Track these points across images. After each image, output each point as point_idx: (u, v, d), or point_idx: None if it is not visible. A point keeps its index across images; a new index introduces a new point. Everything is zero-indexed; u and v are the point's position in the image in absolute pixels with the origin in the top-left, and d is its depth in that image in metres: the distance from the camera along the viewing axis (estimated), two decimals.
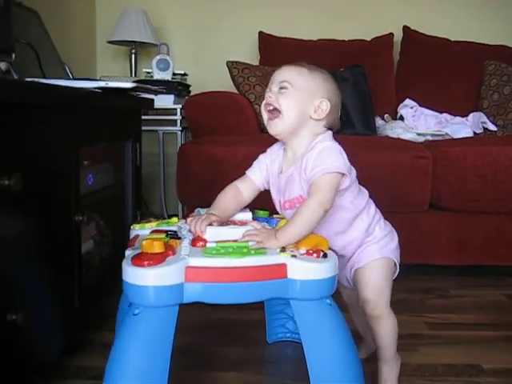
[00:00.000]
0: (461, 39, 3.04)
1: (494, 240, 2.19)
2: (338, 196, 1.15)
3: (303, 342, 0.96)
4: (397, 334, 1.25)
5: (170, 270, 0.90)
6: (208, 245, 0.99)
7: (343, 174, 1.12)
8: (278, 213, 1.28)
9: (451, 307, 1.89)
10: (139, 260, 0.92)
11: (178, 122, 2.69)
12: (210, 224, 1.07)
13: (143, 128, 2.60)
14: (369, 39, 3.05)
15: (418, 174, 2.09)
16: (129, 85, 1.62)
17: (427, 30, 3.05)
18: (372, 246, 1.24)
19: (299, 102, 1.16)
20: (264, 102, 1.19)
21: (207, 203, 2.05)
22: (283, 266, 0.94)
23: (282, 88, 1.16)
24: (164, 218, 1.31)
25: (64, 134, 1.30)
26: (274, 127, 1.19)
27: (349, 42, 3.04)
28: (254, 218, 1.24)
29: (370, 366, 1.27)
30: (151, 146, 2.84)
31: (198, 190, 2.14)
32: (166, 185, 2.86)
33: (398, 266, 1.27)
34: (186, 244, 1.02)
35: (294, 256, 0.95)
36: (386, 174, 2.07)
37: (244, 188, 1.27)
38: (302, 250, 0.97)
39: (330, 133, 1.22)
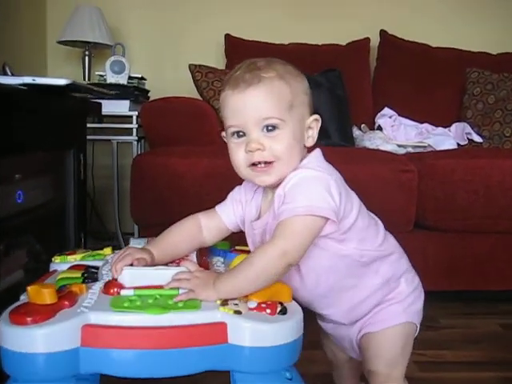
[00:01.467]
0: (441, 45, 2.85)
1: (486, 263, 1.97)
2: (334, 242, 0.87)
3: None
4: None
5: (59, 330, 0.64)
6: (122, 292, 0.72)
7: (326, 218, 0.81)
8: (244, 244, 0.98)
9: (442, 341, 1.67)
10: (19, 315, 0.65)
11: (134, 130, 2.42)
12: (131, 264, 0.79)
13: (95, 138, 2.37)
14: (344, 44, 2.83)
15: (402, 190, 1.86)
16: (62, 82, 1.36)
17: (405, 35, 2.86)
18: (395, 305, 0.96)
19: (296, 135, 0.86)
20: (250, 162, 0.85)
21: (163, 222, 1.82)
22: (222, 327, 0.67)
23: (269, 129, 0.84)
24: (99, 247, 1.04)
25: None
26: (268, 179, 0.86)
27: (322, 46, 2.82)
28: (208, 251, 0.98)
29: None
30: (105, 157, 2.56)
31: (154, 208, 1.90)
32: (122, 200, 2.58)
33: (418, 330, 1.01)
34: (95, 289, 0.75)
35: (237, 312, 0.68)
36: (366, 189, 1.75)
37: (208, 226, 0.96)
38: (252, 303, 0.70)
39: (317, 152, 0.92)
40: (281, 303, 0.71)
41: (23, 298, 0.76)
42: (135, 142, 2.44)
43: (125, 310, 0.67)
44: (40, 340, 0.65)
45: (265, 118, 0.83)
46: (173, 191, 1.86)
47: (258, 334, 0.67)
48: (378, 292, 0.94)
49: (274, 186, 0.87)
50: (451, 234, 1.93)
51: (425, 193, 1.88)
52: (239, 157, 0.85)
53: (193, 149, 1.98)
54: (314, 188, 0.82)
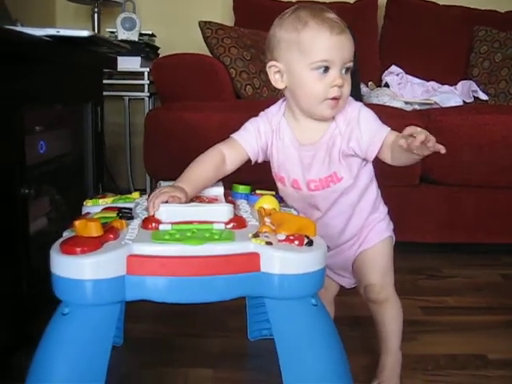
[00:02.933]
0: (449, 3, 2.86)
1: (488, 216, 2.04)
2: (367, 168, 1.07)
3: (279, 351, 0.76)
4: (402, 319, 1.14)
5: (106, 259, 0.70)
6: (161, 227, 0.78)
7: None
8: (263, 188, 1.07)
9: (445, 289, 1.75)
10: (69, 246, 0.72)
11: (146, 86, 2.46)
12: (167, 201, 0.85)
13: (107, 94, 2.38)
14: (352, 2, 2.84)
15: None
16: (85, 33, 1.40)
17: None
18: (380, 223, 1.12)
19: None
20: (332, 96, 0.95)
21: (177, 175, 1.88)
22: (255, 257, 0.73)
23: (346, 71, 0.97)
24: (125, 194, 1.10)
25: (3, 90, 1.08)
26: (334, 113, 0.99)
27: (330, 4, 2.79)
28: (230, 194, 1.04)
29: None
30: (117, 114, 2.61)
31: (168, 162, 1.94)
32: (134, 157, 2.63)
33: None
34: (134, 225, 0.81)
35: (269, 243, 0.74)
36: None
37: (230, 156, 1.04)
38: (281, 236, 0.76)
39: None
40: (307, 236, 0.77)
41: (66, 235, 0.82)
42: (147, 99, 2.48)
43: (166, 241, 0.73)
44: (89, 268, 0.70)
45: (348, 60, 0.96)
46: (186, 145, 1.90)
47: (287, 263, 0.73)
48: (369, 211, 1.10)
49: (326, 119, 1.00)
50: (456, 188, 1.99)
51: None
52: (319, 89, 0.95)
53: (205, 104, 2.02)
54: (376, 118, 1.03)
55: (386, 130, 1.01)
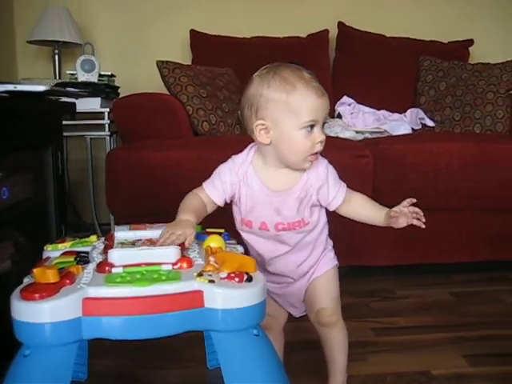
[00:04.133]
0: (396, 35, 3.02)
1: (438, 237, 2.15)
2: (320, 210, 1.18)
3: (225, 379, 0.84)
4: (348, 343, 1.23)
5: (63, 303, 0.77)
6: (114, 270, 0.86)
7: None
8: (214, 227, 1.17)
9: (397, 309, 1.84)
10: (28, 292, 0.78)
11: (107, 126, 2.53)
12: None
13: (70, 134, 2.47)
14: (304, 36, 2.97)
15: (359, 174, 2.01)
16: (41, 88, 1.48)
17: (362, 26, 3.02)
18: (329, 252, 1.24)
19: None
20: (316, 151, 1.08)
21: (139, 213, 1.94)
22: (199, 294, 0.81)
23: (322, 125, 1.09)
24: (85, 235, 1.17)
25: None
26: (313, 164, 1.12)
27: (284, 39, 2.95)
28: None
29: None
30: (81, 150, 2.69)
31: (129, 199, 2.02)
32: (98, 192, 2.70)
33: None
34: (89, 269, 0.88)
35: (211, 281, 0.82)
36: None
37: (205, 200, 1.13)
38: (223, 274, 0.85)
39: None
40: (247, 273, 0.86)
41: (27, 281, 0.89)
42: (108, 137, 2.55)
43: (117, 284, 0.81)
44: (47, 312, 0.77)
45: (325, 117, 1.08)
46: (146, 183, 1.97)
47: (228, 298, 0.81)
48: (324, 244, 1.23)
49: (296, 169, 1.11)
50: None
51: (379, 176, 2.04)
52: (306, 146, 1.06)
53: (164, 142, 2.10)
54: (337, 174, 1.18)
55: (344, 186, 1.17)
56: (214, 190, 1.13)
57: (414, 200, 1.16)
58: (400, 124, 2.68)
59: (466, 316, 1.74)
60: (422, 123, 2.76)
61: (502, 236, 2.18)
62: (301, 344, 1.49)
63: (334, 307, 1.21)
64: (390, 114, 2.84)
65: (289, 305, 1.28)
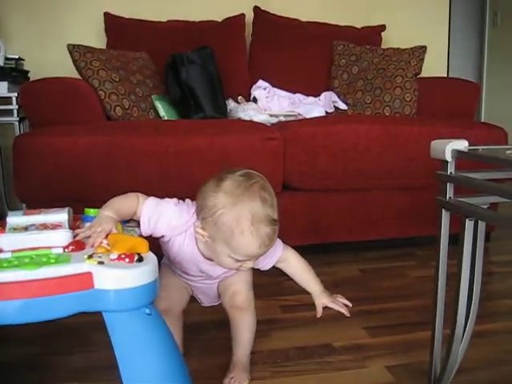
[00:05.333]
0: (311, 19, 3.08)
1: (347, 217, 2.22)
2: None
3: (118, 358, 0.85)
4: (255, 327, 1.29)
5: None
6: (1, 255, 0.85)
7: None
8: None
9: None
10: None
11: (15, 111, 2.45)
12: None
13: None
14: (220, 20, 2.97)
15: (270, 156, 2.05)
16: None
17: (278, 11, 3.05)
18: None
19: None
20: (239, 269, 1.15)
21: (50, 199, 1.90)
22: (88, 275, 0.82)
23: None
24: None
25: None
26: None
27: (199, 23, 2.94)
28: (80, 218, 1.11)
29: None
30: None
31: (39, 186, 1.97)
32: (8, 180, 2.61)
33: None
34: None
35: (101, 263, 0.83)
36: (236, 157, 2.01)
37: (136, 212, 1.14)
38: (113, 255, 0.86)
39: None
40: (138, 254, 0.87)
41: None
42: (17, 123, 2.47)
43: (4, 268, 0.80)
44: None
45: None
46: (55, 169, 1.93)
47: (118, 279, 0.82)
48: None
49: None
50: (315, 193, 2.16)
51: (290, 158, 2.09)
52: (232, 266, 1.13)
53: (72, 127, 2.05)
54: None
55: (280, 249, 1.25)
56: (147, 221, 1.12)
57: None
58: (314, 107, 2.75)
59: (370, 291, 1.82)
60: (335, 106, 2.83)
61: (408, 214, 2.29)
62: (215, 323, 1.52)
63: (248, 292, 1.26)
64: (305, 97, 2.90)
65: (201, 293, 1.32)
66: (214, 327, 1.51)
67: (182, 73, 2.42)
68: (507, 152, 0.90)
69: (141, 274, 0.85)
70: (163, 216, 1.12)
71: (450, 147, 0.96)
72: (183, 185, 1.97)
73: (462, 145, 0.97)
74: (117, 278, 0.83)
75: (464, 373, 1.22)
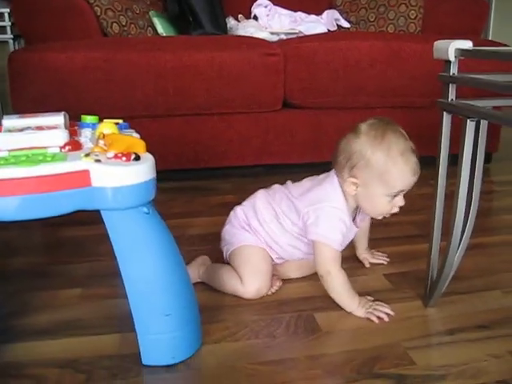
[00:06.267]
0: None
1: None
2: None
3: (118, 256, 0.86)
4: None
5: None
6: None
7: None
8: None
9: None
10: None
11: (8, 28, 2.39)
12: None
13: None
14: None
15: (269, 72, 2.01)
16: None
17: None
18: None
19: None
20: (393, 212, 1.17)
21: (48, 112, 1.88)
22: (85, 173, 0.81)
23: None
24: None
25: None
26: None
27: None
28: (77, 124, 1.10)
29: None
30: None
31: (35, 101, 1.94)
32: (5, 100, 2.58)
33: None
34: None
35: (98, 161, 0.82)
36: (236, 73, 1.97)
37: None
38: (110, 154, 0.85)
39: None
40: (135, 153, 0.86)
41: None
42: (11, 41, 2.42)
43: (1, 165, 0.80)
44: None
45: None
46: (52, 84, 1.90)
47: (115, 176, 0.82)
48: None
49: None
50: (316, 111, 2.13)
51: (291, 74, 2.05)
52: (387, 209, 1.15)
53: (68, 43, 2.01)
54: None
55: None
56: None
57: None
58: (316, 25, 2.67)
59: None
60: (337, 24, 2.75)
61: (410, 133, 2.25)
62: (208, 236, 1.53)
63: None
64: (307, 15, 2.81)
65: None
66: (214, 238, 1.52)
67: None
68: (504, 48, 0.88)
69: (138, 172, 0.84)
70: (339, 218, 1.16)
71: (454, 46, 0.93)
72: (181, 101, 1.95)
73: (466, 44, 0.94)
74: (114, 176, 0.82)
75: (460, 280, 1.25)
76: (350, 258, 1.40)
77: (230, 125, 2.06)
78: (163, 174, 2.12)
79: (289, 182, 1.29)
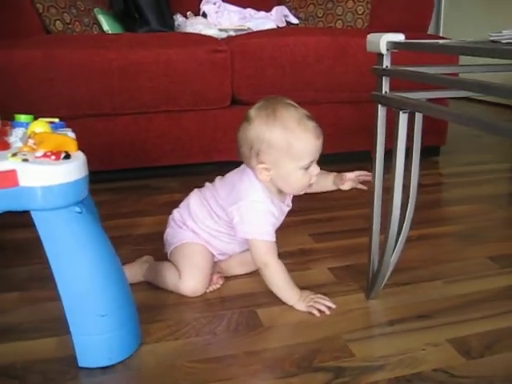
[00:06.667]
0: None
1: None
2: None
3: (50, 258, 0.85)
4: None
5: None
6: None
7: None
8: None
9: None
10: None
11: None
12: None
13: None
14: None
15: (216, 69, 2.00)
16: None
17: None
18: None
19: None
20: (312, 182, 1.15)
21: None
22: (12, 173, 0.79)
23: None
24: None
25: None
26: None
27: None
28: (9, 124, 1.07)
29: None
30: None
31: None
32: None
33: None
34: None
35: (25, 160, 0.80)
36: (183, 70, 1.96)
37: None
38: (39, 153, 0.83)
39: None
40: (66, 152, 0.84)
41: None
42: None
43: None
44: None
45: None
46: None
47: (43, 175, 0.80)
48: None
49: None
50: None
51: (238, 71, 2.04)
52: (305, 182, 1.14)
53: (8, 41, 1.94)
54: None
55: None
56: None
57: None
58: (265, 22, 2.67)
59: (320, 201, 1.82)
60: (286, 21, 2.76)
61: (359, 128, 2.29)
62: (154, 235, 1.52)
63: None
64: (256, 12, 2.81)
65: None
66: (160, 237, 1.50)
67: None
68: (440, 42, 0.89)
69: (68, 171, 0.83)
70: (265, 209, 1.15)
71: (385, 39, 0.94)
72: (127, 99, 1.92)
73: (398, 37, 0.95)
74: (42, 175, 0.81)
75: (403, 271, 1.27)
76: (294, 253, 1.41)
77: (177, 123, 2.04)
78: (112, 174, 2.14)
79: (217, 179, 1.28)
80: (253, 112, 1.11)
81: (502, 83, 0.67)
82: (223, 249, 1.26)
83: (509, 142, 2.70)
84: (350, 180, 1.26)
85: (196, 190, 1.30)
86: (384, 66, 0.97)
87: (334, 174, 1.27)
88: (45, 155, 0.83)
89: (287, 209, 1.24)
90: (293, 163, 1.09)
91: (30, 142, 0.88)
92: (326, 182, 1.28)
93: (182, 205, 1.30)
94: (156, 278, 1.22)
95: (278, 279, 1.13)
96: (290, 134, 1.07)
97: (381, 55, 0.97)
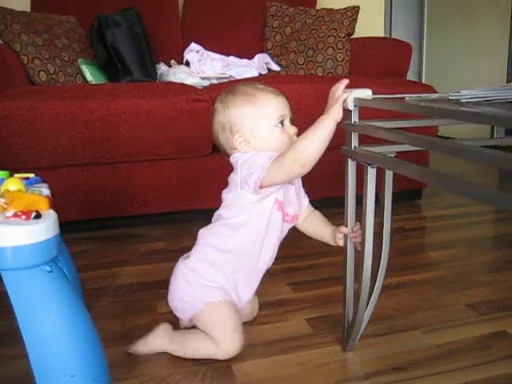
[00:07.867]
0: None
1: None
2: None
3: (18, 317, 0.84)
4: None
5: None
6: None
7: None
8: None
9: None
10: None
11: None
12: None
13: None
14: None
15: (197, 118, 2.02)
16: None
17: None
18: None
19: None
20: (289, 140, 1.14)
21: None
22: None
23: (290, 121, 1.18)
24: None
25: None
26: None
27: None
28: None
29: None
30: None
31: None
32: None
33: None
34: None
35: None
36: (163, 119, 1.98)
37: None
38: (9, 213, 0.84)
39: None
40: (36, 211, 0.85)
41: None
42: None
43: None
44: None
45: (290, 114, 1.17)
46: None
47: (14, 236, 0.81)
48: None
49: None
50: None
51: None
52: (285, 140, 1.13)
53: None
54: None
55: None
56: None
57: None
58: (247, 69, 2.73)
59: (299, 248, 1.83)
60: (268, 68, 2.82)
61: (339, 174, 2.30)
62: (134, 285, 1.51)
63: None
64: (239, 59, 2.87)
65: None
66: (140, 288, 1.50)
67: (108, 35, 2.35)
68: (406, 98, 0.92)
69: (38, 231, 0.83)
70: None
71: (352, 96, 0.97)
72: (109, 149, 1.94)
73: (365, 93, 0.97)
74: (12, 235, 0.81)
75: (381, 321, 1.28)
76: (272, 304, 1.40)
77: (159, 171, 2.06)
78: (94, 223, 2.14)
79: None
80: (215, 104, 1.18)
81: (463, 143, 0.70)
82: (236, 290, 1.21)
83: (490, 183, 2.74)
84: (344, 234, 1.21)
85: (203, 230, 1.25)
86: (352, 122, 1.00)
87: (333, 227, 1.24)
88: (15, 215, 0.83)
89: (292, 187, 1.20)
90: (264, 122, 1.12)
91: (1, 201, 0.89)
92: (325, 231, 1.26)
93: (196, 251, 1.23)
94: (183, 350, 1.16)
95: (308, 142, 1.06)
96: (250, 98, 1.12)
97: (349, 111, 0.99)
